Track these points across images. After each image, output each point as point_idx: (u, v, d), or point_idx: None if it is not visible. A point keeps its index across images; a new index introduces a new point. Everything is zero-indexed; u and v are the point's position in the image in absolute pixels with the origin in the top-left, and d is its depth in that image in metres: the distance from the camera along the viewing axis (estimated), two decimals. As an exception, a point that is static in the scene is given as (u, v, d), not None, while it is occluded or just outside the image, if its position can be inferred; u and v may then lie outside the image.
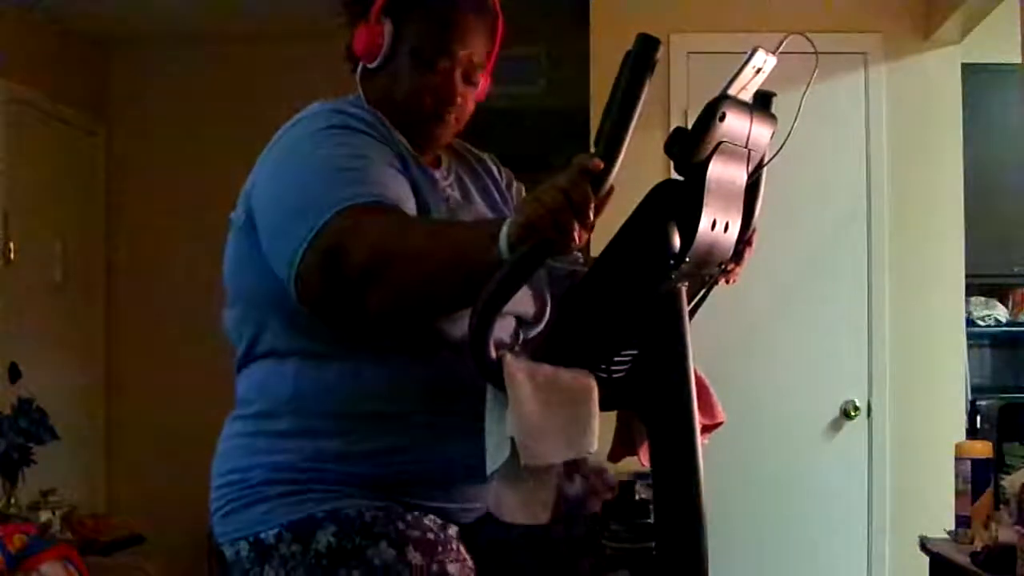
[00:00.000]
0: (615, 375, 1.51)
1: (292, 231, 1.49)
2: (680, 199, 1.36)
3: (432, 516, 1.57)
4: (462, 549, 1.57)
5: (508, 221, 1.33)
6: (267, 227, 1.57)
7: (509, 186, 1.86)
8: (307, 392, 1.58)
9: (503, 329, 1.61)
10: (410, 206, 1.55)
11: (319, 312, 1.53)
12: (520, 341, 1.67)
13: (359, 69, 1.70)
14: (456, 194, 1.73)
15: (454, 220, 1.66)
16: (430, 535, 1.53)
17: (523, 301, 1.64)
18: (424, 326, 1.56)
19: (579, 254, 1.81)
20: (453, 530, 1.59)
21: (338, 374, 1.57)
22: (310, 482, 1.55)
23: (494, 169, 1.86)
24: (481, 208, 1.75)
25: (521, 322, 1.67)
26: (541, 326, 1.70)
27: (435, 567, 1.50)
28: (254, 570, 1.56)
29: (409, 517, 1.54)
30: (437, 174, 1.72)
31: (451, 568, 1.52)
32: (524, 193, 1.87)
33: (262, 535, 1.55)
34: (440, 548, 1.53)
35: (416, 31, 1.66)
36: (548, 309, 1.70)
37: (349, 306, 1.46)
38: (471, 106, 1.74)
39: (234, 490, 1.60)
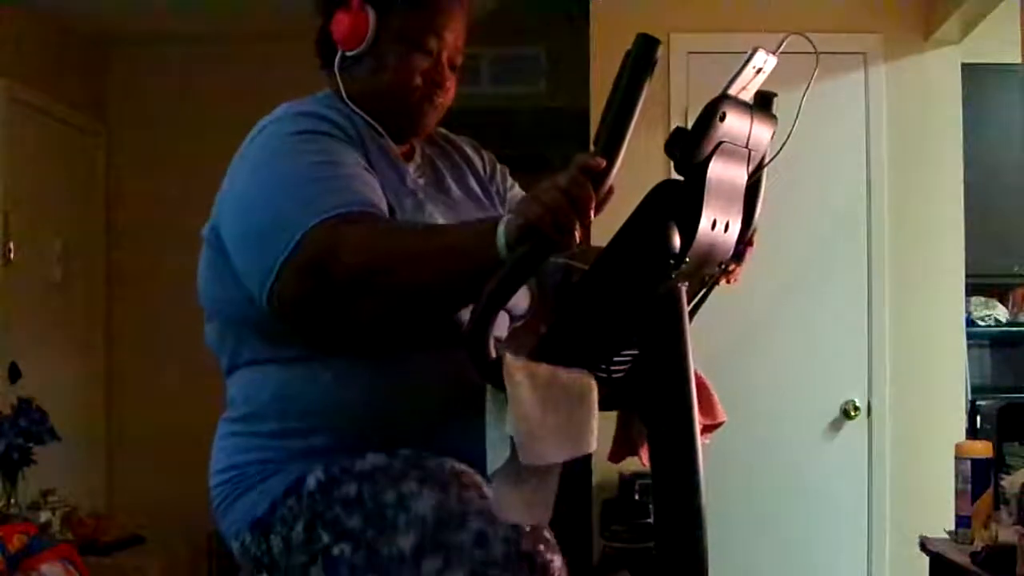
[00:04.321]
0: (615, 375, 1.51)
1: (266, 246, 1.47)
2: (680, 199, 1.36)
3: None
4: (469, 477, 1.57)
5: (506, 220, 1.33)
6: (237, 242, 1.55)
7: (493, 172, 1.84)
8: (289, 396, 1.58)
9: (500, 326, 1.61)
10: (384, 209, 1.54)
11: (299, 324, 1.53)
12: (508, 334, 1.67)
13: (338, 59, 1.68)
14: (427, 186, 1.71)
15: (440, 224, 1.63)
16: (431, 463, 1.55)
17: (517, 296, 1.64)
18: (412, 327, 1.55)
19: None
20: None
21: (320, 379, 1.56)
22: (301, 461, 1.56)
23: (473, 155, 1.83)
24: (455, 197, 1.73)
25: (513, 317, 1.68)
26: (526, 318, 1.70)
27: (426, 463, 1.52)
28: (261, 548, 1.57)
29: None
30: (411, 167, 1.71)
31: (430, 464, 1.53)
32: (508, 174, 1.87)
33: (259, 514, 1.56)
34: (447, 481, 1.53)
35: (403, 17, 1.65)
36: (534, 300, 1.70)
37: (336, 317, 1.46)
38: (452, 95, 1.73)
39: (229, 485, 1.61)
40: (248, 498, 1.58)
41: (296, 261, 1.44)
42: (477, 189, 1.78)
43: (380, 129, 1.67)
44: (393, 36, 1.65)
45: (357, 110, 1.66)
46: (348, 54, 1.67)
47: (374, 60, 1.67)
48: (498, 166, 1.86)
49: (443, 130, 1.83)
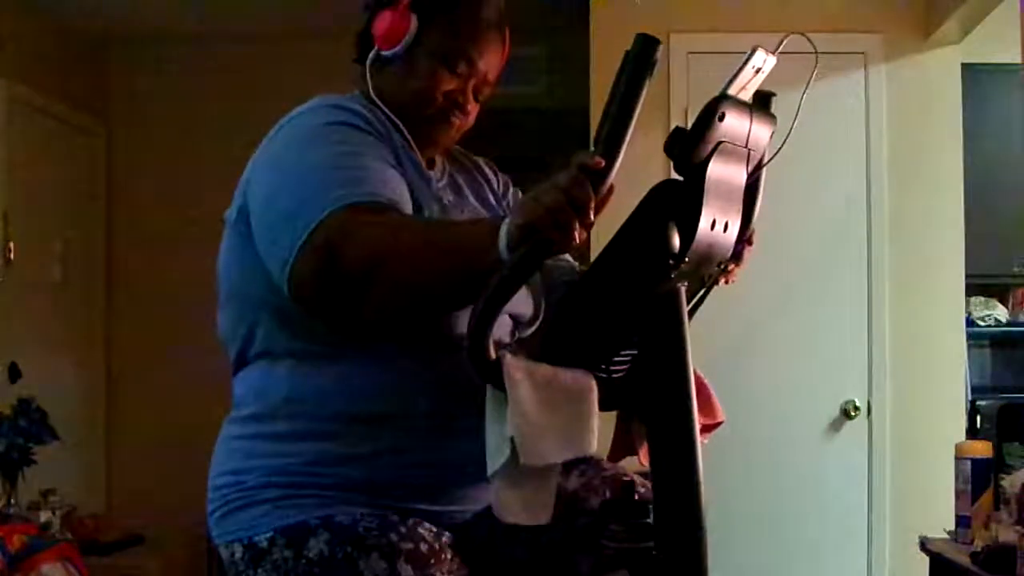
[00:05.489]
0: (615, 375, 1.51)
1: (286, 229, 1.49)
2: (680, 199, 1.36)
3: (428, 525, 1.56)
4: (456, 559, 1.56)
5: (507, 220, 1.33)
6: (261, 224, 1.57)
7: (506, 192, 1.86)
8: (302, 395, 1.57)
9: (501, 329, 1.61)
10: (406, 205, 1.55)
11: (314, 311, 1.53)
12: (515, 340, 1.67)
13: (372, 55, 1.70)
14: (450, 195, 1.73)
15: (450, 219, 1.66)
16: (423, 546, 1.53)
17: (519, 301, 1.64)
18: (425, 325, 1.55)
19: (576, 264, 1.81)
20: (447, 537, 1.58)
21: (335, 376, 1.56)
22: (306, 487, 1.54)
23: (490, 174, 1.86)
24: (475, 211, 1.75)
25: (517, 322, 1.67)
26: (535, 326, 1.70)
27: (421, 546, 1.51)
28: (247, 572, 1.56)
29: (403, 528, 1.53)
30: (432, 174, 1.72)
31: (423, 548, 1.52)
32: (519, 195, 1.88)
33: (256, 538, 1.55)
34: (432, 560, 1.52)
35: (441, 34, 1.67)
36: (542, 310, 1.70)
37: (344, 306, 1.46)
38: (472, 120, 1.75)
39: (231, 492, 1.59)
40: (246, 514, 1.57)
41: (311, 244, 1.46)
42: (495, 207, 1.80)
43: (405, 132, 1.68)
44: (428, 49, 1.67)
45: (384, 108, 1.67)
46: (383, 53, 1.69)
47: (406, 65, 1.68)
48: (511, 188, 1.88)
49: (463, 149, 1.86)
